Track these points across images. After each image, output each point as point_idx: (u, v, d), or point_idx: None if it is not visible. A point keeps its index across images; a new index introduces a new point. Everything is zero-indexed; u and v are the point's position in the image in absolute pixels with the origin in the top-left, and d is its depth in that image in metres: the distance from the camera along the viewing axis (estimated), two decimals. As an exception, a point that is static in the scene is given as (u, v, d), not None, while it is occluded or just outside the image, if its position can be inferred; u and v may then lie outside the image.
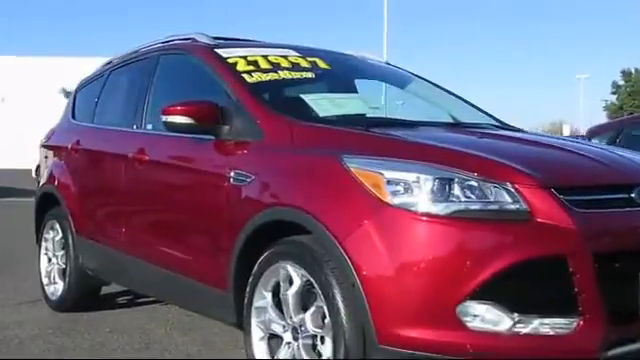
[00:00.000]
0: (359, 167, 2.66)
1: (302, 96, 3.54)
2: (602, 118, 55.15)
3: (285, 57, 3.86)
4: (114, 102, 4.78)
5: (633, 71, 62.95)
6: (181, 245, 3.57)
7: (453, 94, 4.40)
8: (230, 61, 3.69)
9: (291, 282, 2.88)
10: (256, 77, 3.56)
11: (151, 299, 5.14)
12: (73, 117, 5.31)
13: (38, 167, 19.87)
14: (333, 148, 2.88)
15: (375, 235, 2.53)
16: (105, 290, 5.12)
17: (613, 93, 63.83)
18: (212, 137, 3.40)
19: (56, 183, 5.01)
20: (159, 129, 4.05)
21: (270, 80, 3.59)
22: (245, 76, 3.55)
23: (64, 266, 4.97)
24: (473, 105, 4.31)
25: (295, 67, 3.78)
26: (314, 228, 2.71)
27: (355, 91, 4.08)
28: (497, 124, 3.94)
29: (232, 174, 3.19)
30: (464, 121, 3.83)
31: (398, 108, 4.19)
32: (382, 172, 2.59)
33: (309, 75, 3.79)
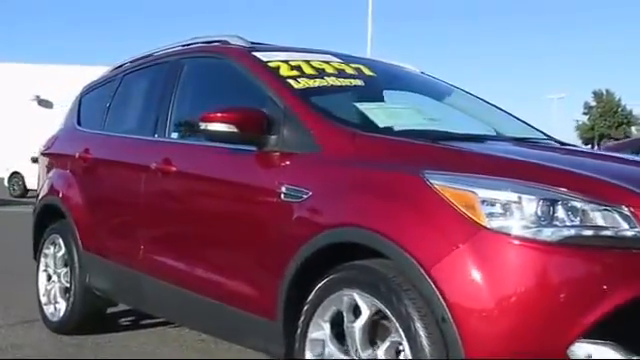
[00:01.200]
0: (446, 184, 2.35)
1: (356, 105, 3.24)
2: (573, 138, 55.71)
3: (328, 63, 3.56)
4: (129, 108, 4.43)
5: (604, 92, 63.92)
6: (218, 268, 3.22)
7: (495, 107, 4.12)
8: (272, 65, 3.37)
9: (356, 312, 2.55)
10: (303, 83, 3.24)
11: (159, 320, 4.77)
12: (79, 124, 4.94)
13: (13, 175, 19.26)
14: (406, 162, 2.58)
15: (470, 263, 2.22)
16: (108, 309, 4.75)
17: (585, 114, 64.71)
18: (254, 148, 3.08)
19: (60, 195, 4.62)
20: (187, 138, 3.73)
21: (319, 87, 3.28)
22: (291, 82, 3.23)
23: (67, 285, 4.58)
24: (517, 118, 4.03)
25: (341, 73, 3.48)
26: (392, 253, 2.40)
27: (404, 101, 3.78)
28: (556, 140, 3.67)
29: (283, 189, 2.87)
30: (523, 136, 3.54)
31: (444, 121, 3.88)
32: (475, 191, 2.29)
33: (358, 82, 3.49)
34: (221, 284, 3.18)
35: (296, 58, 3.50)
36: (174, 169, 3.54)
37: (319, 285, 2.67)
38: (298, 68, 3.38)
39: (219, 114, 3.04)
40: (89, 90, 5.09)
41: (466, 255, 2.23)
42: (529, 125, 3.94)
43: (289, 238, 2.80)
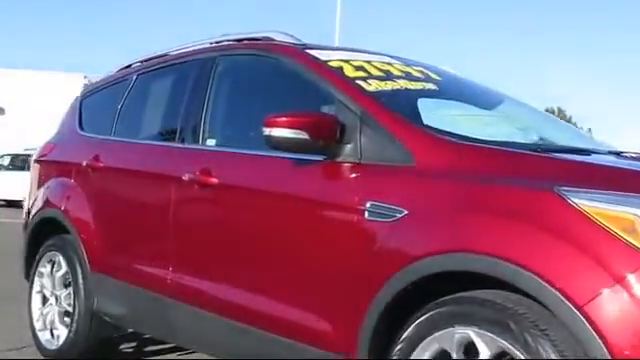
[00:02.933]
0: (593, 204, 1.98)
1: (438, 111, 2.86)
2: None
3: (389, 64, 3.18)
4: (146, 111, 3.97)
5: (556, 109, 64.97)
6: (275, 296, 2.78)
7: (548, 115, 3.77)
8: (334, 65, 2.97)
9: (467, 351, 2.16)
10: (374, 85, 2.85)
11: (167, 346, 4.31)
12: (81, 128, 4.44)
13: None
14: (529, 177, 2.21)
15: (637, 297, 1.86)
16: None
17: (537, 131, 65.58)
18: (320, 158, 2.68)
19: (62, 207, 4.12)
20: (230, 145, 3.30)
21: (392, 90, 2.89)
22: (361, 83, 2.84)
23: (68, 308, 4.08)
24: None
25: (408, 76, 3.10)
26: (530, 286, 2.01)
27: (482, 107, 3.39)
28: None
29: (368, 207, 2.46)
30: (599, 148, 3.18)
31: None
32: (637, 212, 1.93)
33: (431, 86, 3.11)
34: (278, 315, 2.75)
35: (355, 58, 3.12)
36: (215, 181, 3.10)
37: (419, 320, 2.27)
38: (362, 69, 2.99)
39: (287, 118, 2.62)
40: (91, 92, 4.60)
41: (631, 288, 1.87)
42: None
43: (379, 263, 2.40)
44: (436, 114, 2.84)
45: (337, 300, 2.54)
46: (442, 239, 2.26)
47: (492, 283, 2.17)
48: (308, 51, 3.10)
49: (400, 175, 2.46)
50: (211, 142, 3.32)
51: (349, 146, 2.62)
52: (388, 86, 2.88)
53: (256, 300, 2.86)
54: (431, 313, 2.24)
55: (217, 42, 3.69)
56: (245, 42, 3.45)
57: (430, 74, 3.23)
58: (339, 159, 2.63)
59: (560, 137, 3.22)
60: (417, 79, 3.10)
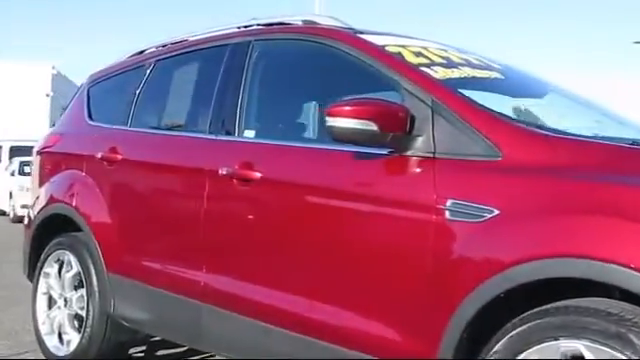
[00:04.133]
0: None
1: (513, 100, 2.64)
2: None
3: (446, 51, 2.95)
4: (169, 100, 3.68)
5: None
6: (334, 303, 2.54)
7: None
8: (392, 50, 2.74)
9: None
10: (441, 73, 2.61)
11: (178, 350, 4.05)
12: (90, 118, 4.13)
13: None
14: (635, 174, 2.00)
15: None
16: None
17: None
18: (384, 152, 2.44)
19: (74, 203, 3.82)
20: (273, 137, 3.04)
21: (462, 78, 2.66)
22: (427, 71, 2.60)
23: (80, 312, 3.78)
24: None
25: (470, 64, 2.87)
26: None
27: (540, 97, 3.17)
28: None
29: (448, 205, 2.23)
30: None
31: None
32: None
33: (496, 75, 2.89)
34: (335, 324, 2.51)
35: (410, 44, 2.88)
36: (258, 175, 2.84)
37: (512, 333, 2.04)
38: (422, 55, 2.75)
39: (354, 107, 2.38)
40: (100, 79, 4.28)
41: None
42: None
43: (464, 268, 2.17)
44: (508, 105, 2.61)
45: (410, 310, 2.31)
46: (542, 242, 2.03)
47: (596, 291, 1.97)
48: (362, 36, 2.86)
49: (487, 170, 2.23)
50: (249, 133, 3.06)
51: (421, 138, 2.39)
52: (455, 74, 2.66)
53: (310, 307, 2.62)
54: (528, 325, 2.02)
55: (246, 26, 3.43)
56: (286, 26, 3.19)
57: (489, 62, 3.01)
58: (409, 152, 2.40)
59: (632, 130, 3.01)
60: (480, 67, 2.88)
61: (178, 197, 3.29)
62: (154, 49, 4.01)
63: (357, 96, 2.50)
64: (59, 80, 37.70)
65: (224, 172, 2.96)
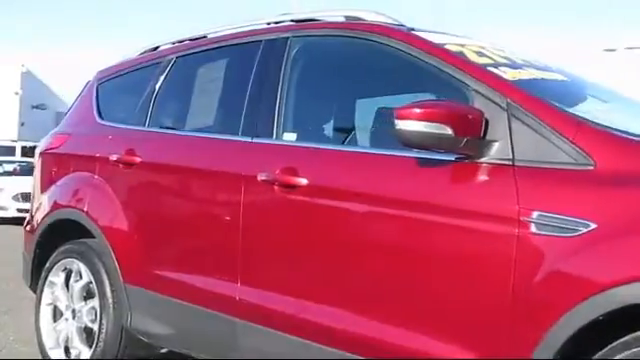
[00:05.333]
0: None
1: (587, 104, 2.46)
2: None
3: (502, 50, 2.77)
4: (195, 99, 3.44)
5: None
6: (400, 324, 2.33)
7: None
8: (454, 49, 2.55)
9: None
10: (510, 74, 2.43)
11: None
12: (100, 117, 3.88)
13: None
14: None
15: None
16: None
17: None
18: (451, 158, 2.26)
19: (85, 207, 3.56)
20: (315, 140, 2.84)
21: (531, 79, 2.48)
22: (496, 71, 2.42)
23: (90, 324, 3.53)
24: None
25: (532, 64, 2.69)
26: None
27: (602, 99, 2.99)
28: None
29: (534, 218, 2.04)
30: None
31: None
32: None
33: (559, 77, 2.72)
34: (400, 344, 2.31)
35: (467, 43, 2.70)
36: (304, 182, 2.63)
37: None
38: (483, 55, 2.57)
39: (426, 110, 2.19)
40: (110, 76, 4.03)
41: None
42: None
43: (554, 289, 1.98)
44: (579, 108, 2.44)
45: (489, 336, 2.11)
46: None
47: None
48: (419, 34, 2.66)
49: (578, 180, 2.04)
50: (290, 136, 2.84)
51: (497, 144, 2.20)
52: (524, 75, 2.47)
53: (365, 326, 2.41)
54: (633, 351, 1.85)
55: (277, 22, 3.21)
56: (329, 22, 2.98)
57: (545, 63, 2.83)
58: (483, 159, 2.21)
59: None
60: (541, 68, 2.70)
61: (208, 204, 3.06)
62: (170, 45, 3.78)
63: (427, 98, 2.32)
64: (28, 78, 36.96)
65: (263, 177, 2.74)
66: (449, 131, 2.16)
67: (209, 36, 3.56)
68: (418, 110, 2.18)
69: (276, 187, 2.71)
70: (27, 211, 13.35)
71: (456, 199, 2.24)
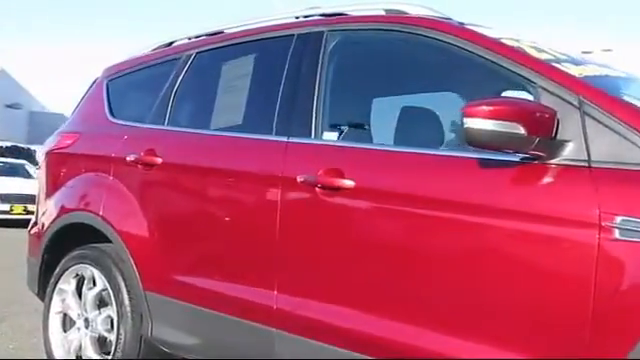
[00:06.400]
0: None
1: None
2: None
3: (557, 46, 2.64)
4: (220, 97, 3.25)
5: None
6: (470, 337, 2.18)
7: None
8: (513, 45, 2.41)
9: None
10: (574, 70, 2.30)
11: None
12: (112, 115, 3.69)
13: None
14: None
15: None
16: None
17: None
18: (515, 158, 2.13)
19: (101, 211, 3.36)
20: (362, 140, 2.69)
21: (597, 76, 2.36)
22: (560, 66, 2.29)
23: (106, 334, 3.35)
24: None
25: (589, 61, 2.58)
26: None
27: None
28: None
29: (618, 222, 1.91)
30: None
31: None
32: None
33: (618, 73, 2.60)
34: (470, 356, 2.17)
35: (523, 38, 2.57)
36: (350, 184, 2.47)
37: None
38: (541, 50, 2.44)
39: (498, 107, 2.05)
40: (121, 73, 3.84)
41: None
42: None
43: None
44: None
45: (567, 351, 1.98)
46: None
47: None
48: (471, 27, 2.53)
49: None
50: (331, 135, 2.68)
51: (570, 144, 2.07)
52: (589, 71, 2.35)
53: (421, 336, 2.27)
54: None
55: (306, 16, 3.06)
56: (368, 16, 2.83)
57: (597, 59, 2.72)
58: (555, 160, 2.08)
59: None
60: (601, 65, 2.58)
61: (240, 206, 2.89)
62: (186, 41, 3.60)
63: (496, 96, 2.19)
64: (2, 77, 36.35)
65: (304, 179, 2.59)
66: (521, 130, 2.03)
67: (226, 31, 3.41)
68: (489, 107, 2.04)
69: (318, 189, 2.55)
70: (4, 212, 12.92)
71: (528, 202, 2.10)
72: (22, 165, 16.10)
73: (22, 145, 23.72)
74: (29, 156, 19.68)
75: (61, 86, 60.68)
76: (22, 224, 12.65)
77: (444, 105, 2.73)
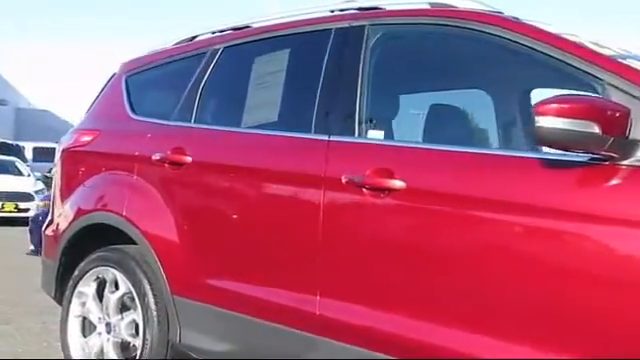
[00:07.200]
0: None
1: None
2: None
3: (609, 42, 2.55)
4: (253, 93, 3.12)
5: None
6: (529, 345, 2.09)
7: None
8: (570, 39, 2.32)
9: None
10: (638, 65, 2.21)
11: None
12: (133, 112, 3.55)
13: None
14: None
15: None
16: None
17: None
18: (584, 159, 2.03)
19: (124, 211, 3.23)
20: (412, 139, 2.58)
21: None
22: (632, 64, 2.19)
23: (129, 339, 3.22)
24: None
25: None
26: None
27: None
28: None
29: None
30: None
31: None
32: None
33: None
34: None
35: (578, 33, 2.47)
36: (402, 185, 2.36)
37: None
38: (600, 45, 2.34)
39: (571, 105, 1.96)
40: (141, 68, 3.69)
41: None
42: None
43: None
44: None
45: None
46: None
47: None
48: (531, 23, 2.43)
49: None
50: (377, 134, 2.57)
51: None
52: None
53: (484, 346, 2.17)
54: None
55: (342, 10, 2.94)
56: (412, 9, 2.72)
57: None
58: (627, 161, 1.98)
59: None
60: None
61: (278, 207, 2.77)
62: (210, 35, 3.48)
63: (567, 93, 2.08)
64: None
65: (349, 179, 2.48)
66: (596, 129, 1.93)
67: (254, 25, 3.29)
68: (562, 105, 1.95)
69: (365, 190, 2.44)
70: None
71: (604, 205, 2.00)
72: (12, 162, 15.81)
73: (10, 142, 23.43)
74: (18, 152, 19.35)
75: (47, 82, 60.05)
76: (14, 222, 12.57)
77: (495, 103, 2.63)
